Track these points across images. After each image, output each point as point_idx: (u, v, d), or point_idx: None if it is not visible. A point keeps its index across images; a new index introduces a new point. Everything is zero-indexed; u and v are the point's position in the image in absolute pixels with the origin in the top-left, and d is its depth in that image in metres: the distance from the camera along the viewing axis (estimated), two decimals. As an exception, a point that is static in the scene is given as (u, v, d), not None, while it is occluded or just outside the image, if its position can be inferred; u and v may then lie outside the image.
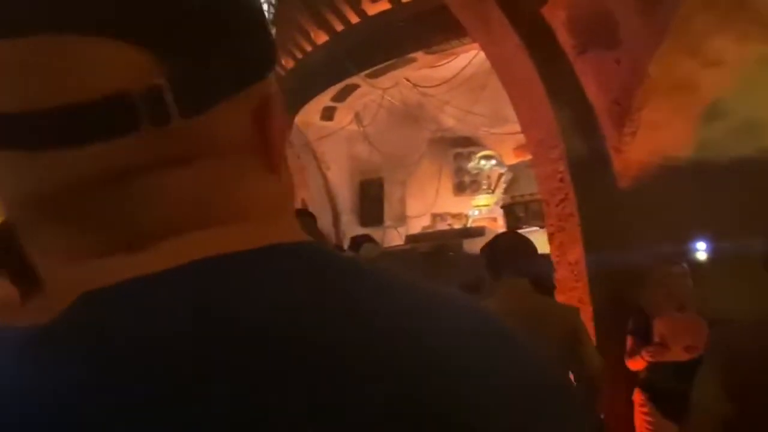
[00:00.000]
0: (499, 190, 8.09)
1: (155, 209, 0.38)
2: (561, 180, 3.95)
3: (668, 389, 3.24)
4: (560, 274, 4.00)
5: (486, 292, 3.88)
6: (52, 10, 0.37)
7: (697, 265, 3.72)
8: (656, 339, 3.40)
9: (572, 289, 3.93)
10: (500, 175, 8.75)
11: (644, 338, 3.45)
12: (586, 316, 3.86)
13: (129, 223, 0.38)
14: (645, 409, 3.45)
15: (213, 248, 0.38)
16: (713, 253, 3.83)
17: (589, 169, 3.89)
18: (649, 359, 3.38)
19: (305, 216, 2.06)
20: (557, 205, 4.00)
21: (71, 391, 0.34)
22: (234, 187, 0.41)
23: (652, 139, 3.77)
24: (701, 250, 3.84)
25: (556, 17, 3.81)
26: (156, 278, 0.37)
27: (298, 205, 10.06)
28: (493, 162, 9.02)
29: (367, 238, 3.36)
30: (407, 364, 0.35)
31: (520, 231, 7.28)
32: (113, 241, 0.38)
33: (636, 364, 3.47)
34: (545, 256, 5.12)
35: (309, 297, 0.37)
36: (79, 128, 0.37)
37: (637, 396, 3.51)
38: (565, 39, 3.82)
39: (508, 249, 2.66)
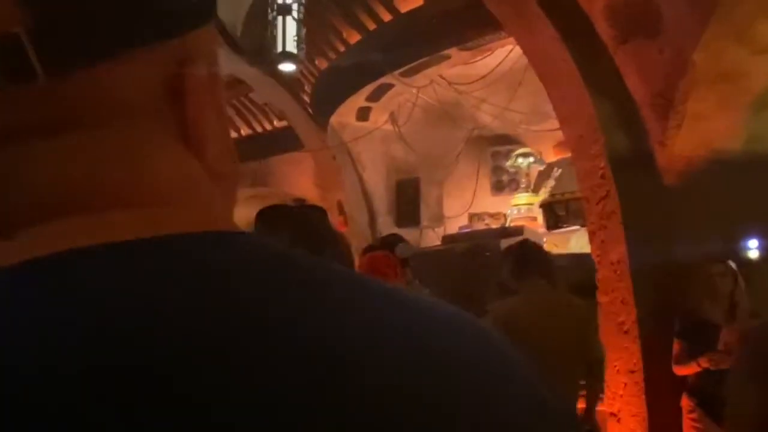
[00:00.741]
0: (542, 189, 7.91)
1: (18, 189, 0.32)
2: (602, 176, 3.80)
3: (719, 395, 3.08)
4: (602, 274, 3.87)
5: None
6: None
7: (748, 263, 3.56)
8: (721, 347, 3.20)
9: (614, 290, 3.79)
10: (539, 173, 8.57)
11: (693, 342, 3.28)
12: (630, 318, 3.72)
13: None
14: (694, 415, 3.31)
15: (86, 237, 0.31)
16: (765, 250, 3.66)
17: (631, 164, 3.75)
18: (710, 367, 3.19)
19: (313, 210, 1.99)
20: (598, 203, 3.86)
21: None
22: (128, 163, 0.33)
23: (698, 132, 3.61)
24: (752, 248, 3.67)
25: (594, 6, 3.67)
26: (9, 270, 0.30)
27: (334, 206, 10.05)
28: (532, 160, 8.85)
29: (398, 238, 3.27)
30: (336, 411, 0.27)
31: (560, 230, 7.14)
32: None
33: (686, 370, 3.31)
34: (579, 256, 4.97)
35: (187, 308, 0.29)
36: None
37: (686, 402, 3.36)
38: (604, 29, 3.68)
39: (530, 255, 3.16)
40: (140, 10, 0.33)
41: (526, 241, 3.42)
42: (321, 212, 1.97)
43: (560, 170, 7.31)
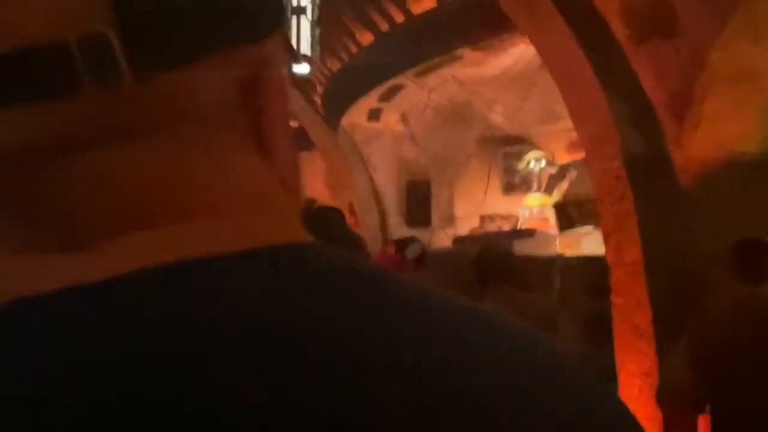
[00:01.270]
0: (555, 190, 7.89)
1: (98, 198, 0.30)
2: (617, 177, 3.77)
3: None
4: (617, 276, 3.83)
5: (540, 293, 3.91)
6: None
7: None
8: None
9: (629, 292, 3.75)
10: (551, 175, 8.54)
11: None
12: (645, 320, 3.69)
13: (61, 214, 0.30)
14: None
15: (171, 251, 0.29)
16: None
17: (647, 165, 3.71)
18: None
19: (331, 211, 1.97)
20: (613, 204, 3.83)
21: None
22: (206, 173, 0.32)
23: (715, 133, 3.57)
24: (771, 250, 3.62)
25: (609, 5, 3.64)
26: (91, 290, 0.28)
27: (345, 207, 10.05)
28: (543, 161, 8.82)
29: (412, 239, 3.30)
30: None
31: (573, 231, 7.10)
32: (39, 236, 0.30)
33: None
34: (592, 259, 4.98)
35: (300, 325, 0.28)
36: None
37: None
38: (619, 28, 3.65)
39: (491, 261, 3.34)
40: (227, 12, 0.32)
41: (486, 248, 3.65)
42: (338, 214, 1.96)
43: (575, 171, 7.29)
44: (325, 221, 1.84)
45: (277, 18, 0.35)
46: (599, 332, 4.00)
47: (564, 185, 7.70)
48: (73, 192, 0.30)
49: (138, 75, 0.29)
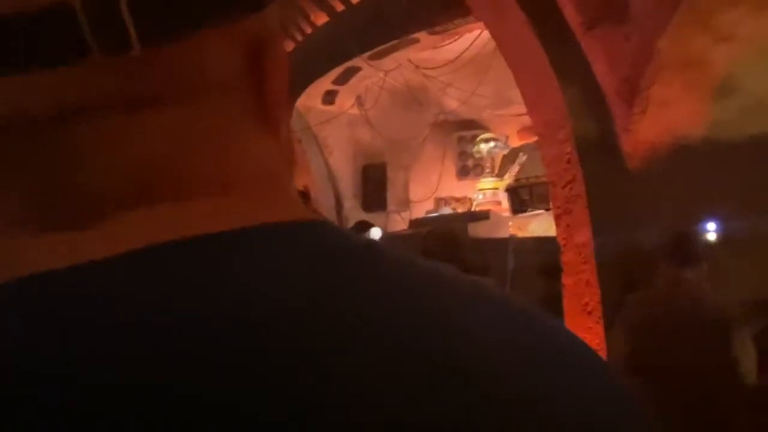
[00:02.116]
0: (506, 174, 7.99)
1: (105, 170, 0.29)
2: (568, 161, 3.86)
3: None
4: (567, 257, 3.93)
5: (492, 276, 3.94)
6: None
7: (708, 246, 3.65)
8: None
9: (580, 272, 3.86)
10: (503, 158, 8.66)
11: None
12: (593, 299, 3.80)
13: (67, 187, 0.29)
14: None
15: (182, 227, 0.29)
16: (725, 234, 3.76)
17: (597, 149, 3.81)
18: None
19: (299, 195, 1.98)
20: (564, 187, 3.92)
21: None
22: (215, 145, 0.31)
23: (663, 118, 3.68)
24: (713, 231, 3.77)
25: (564, -8, 3.71)
26: (100, 266, 0.27)
27: (300, 190, 9.98)
28: (492, 145, 8.92)
29: (369, 224, 3.31)
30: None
31: (524, 214, 7.23)
32: (43, 210, 0.29)
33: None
34: (542, 240, 5.10)
35: (329, 303, 0.27)
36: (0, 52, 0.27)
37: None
38: (572, 15, 3.72)
39: (438, 245, 3.41)
40: None
41: (432, 231, 3.85)
42: (303, 197, 1.96)
43: (525, 155, 7.40)
44: None
45: None
46: (552, 311, 4.10)
47: (515, 169, 7.82)
48: (77, 163, 0.29)
49: (146, 42, 0.28)
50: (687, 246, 3.19)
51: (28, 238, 0.28)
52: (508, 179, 7.93)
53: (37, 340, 0.25)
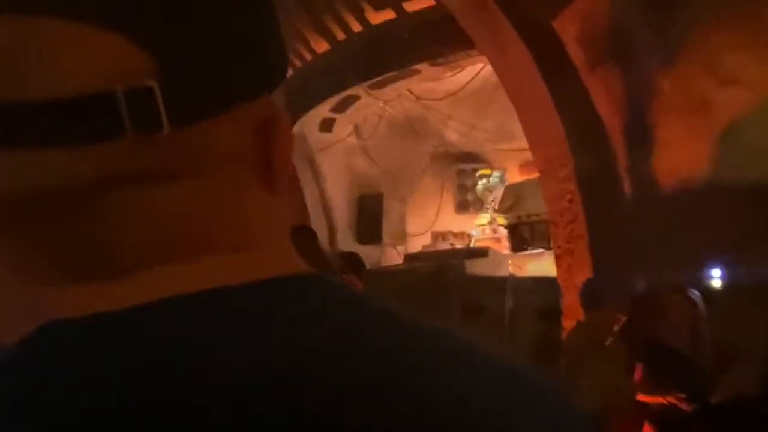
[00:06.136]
0: (506, 210, 7.88)
1: (129, 232, 0.34)
2: (570, 201, 3.81)
3: (685, 423, 3.08)
4: (568, 299, 3.85)
5: (489, 316, 3.83)
6: None
7: (711, 290, 3.59)
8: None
9: (581, 314, 3.78)
10: (504, 194, 8.58)
11: (659, 371, 3.28)
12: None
13: (96, 246, 0.34)
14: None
15: (194, 282, 0.34)
16: (728, 278, 3.70)
17: (599, 189, 3.76)
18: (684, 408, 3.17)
19: (305, 232, 1.89)
20: (566, 227, 3.86)
21: None
22: (228, 211, 0.36)
23: (666, 159, 3.63)
24: (716, 276, 3.71)
25: (568, 31, 3.68)
26: (119, 316, 0.33)
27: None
28: (489, 181, 8.85)
29: (357, 257, 3.17)
30: None
31: (525, 252, 7.12)
32: (72, 265, 0.34)
33: (651, 399, 3.30)
34: (541, 280, 5.00)
35: (311, 353, 0.32)
36: (46, 130, 0.32)
37: (647, 430, 3.35)
38: (576, 53, 3.69)
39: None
40: (255, 64, 0.36)
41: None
42: (311, 235, 1.88)
43: (526, 192, 7.34)
44: (296, 241, 1.76)
45: (286, 68, 0.39)
46: (548, 352, 4.00)
47: (517, 205, 7.73)
48: (107, 226, 0.33)
49: (174, 124, 0.32)
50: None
51: (54, 289, 0.34)
52: (508, 215, 7.80)
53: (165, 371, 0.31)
